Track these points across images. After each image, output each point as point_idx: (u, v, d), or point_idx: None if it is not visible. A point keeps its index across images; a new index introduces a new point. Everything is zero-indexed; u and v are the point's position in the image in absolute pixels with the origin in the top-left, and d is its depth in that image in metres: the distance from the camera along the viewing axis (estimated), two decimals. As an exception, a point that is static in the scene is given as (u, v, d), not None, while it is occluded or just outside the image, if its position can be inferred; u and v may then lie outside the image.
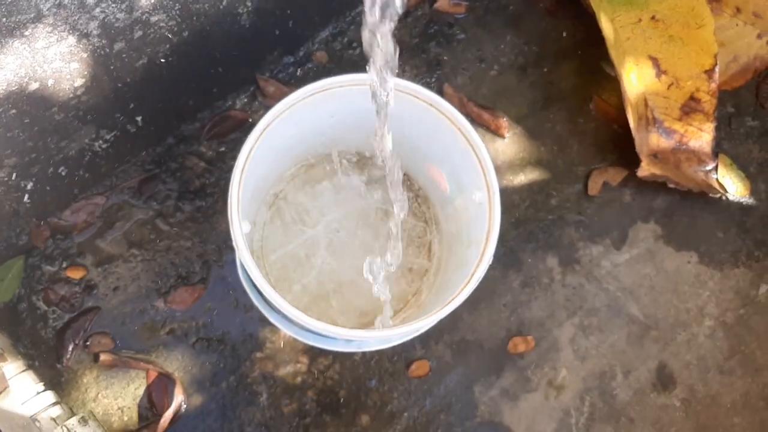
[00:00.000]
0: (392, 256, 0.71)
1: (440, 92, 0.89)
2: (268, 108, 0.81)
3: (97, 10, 0.55)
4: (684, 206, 0.90)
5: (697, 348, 0.86)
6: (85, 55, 0.59)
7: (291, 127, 0.68)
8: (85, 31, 0.56)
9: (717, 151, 0.89)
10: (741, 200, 0.91)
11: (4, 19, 0.50)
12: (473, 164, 0.67)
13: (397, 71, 0.55)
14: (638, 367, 0.85)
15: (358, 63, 0.88)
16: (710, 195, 0.91)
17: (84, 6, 0.54)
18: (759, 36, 0.94)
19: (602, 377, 0.84)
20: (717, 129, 0.88)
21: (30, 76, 0.57)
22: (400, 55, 0.82)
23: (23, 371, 0.67)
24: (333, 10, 0.85)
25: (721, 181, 0.90)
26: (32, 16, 0.51)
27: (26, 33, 0.52)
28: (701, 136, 0.89)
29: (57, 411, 0.66)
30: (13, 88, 0.56)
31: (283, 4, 0.75)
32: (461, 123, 0.66)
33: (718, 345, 0.86)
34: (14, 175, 0.68)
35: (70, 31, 0.55)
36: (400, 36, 0.90)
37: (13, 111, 0.59)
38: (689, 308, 0.87)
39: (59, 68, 0.58)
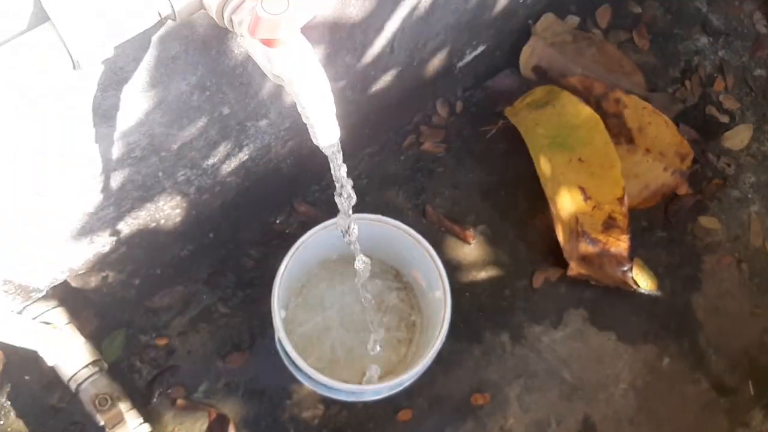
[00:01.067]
0: (374, 342, 1.03)
1: (424, 211, 1.22)
2: (300, 222, 1.15)
3: (195, 181, 0.90)
4: (605, 297, 1.20)
5: (614, 404, 1.15)
6: (184, 204, 0.94)
7: (314, 246, 1.01)
8: (187, 192, 0.91)
9: (632, 255, 1.20)
10: (650, 293, 1.21)
11: (144, 193, 0.84)
12: (434, 273, 0.99)
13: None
14: (568, 418, 1.14)
15: (363, 191, 1.21)
16: (626, 289, 1.21)
17: (189, 181, 0.88)
18: (665, 169, 1.25)
19: (539, 425, 1.13)
20: (632, 239, 1.19)
21: (152, 219, 0.91)
22: (396, 182, 1.16)
23: (130, 410, 0.99)
24: (345, 152, 1.20)
25: (635, 278, 1.20)
26: (159, 189, 0.86)
27: (154, 198, 0.87)
28: (619, 244, 1.20)
29: (152, 437, 0.98)
30: (141, 228, 0.91)
31: (309, 157, 1.09)
32: (425, 245, 0.99)
33: (629, 403, 1.15)
34: (128, 275, 1.03)
35: (178, 194, 0.90)
36: (396, 170, 1.24)
37: (137, 240, 0.93)
38: (608, 374, 1.16)
39: (168, 214, 0.93)
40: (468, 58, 1.20)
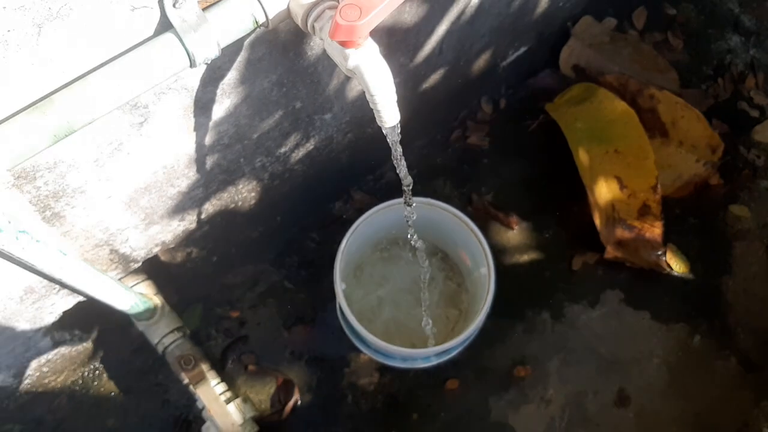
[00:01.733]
0: (425, 318, 1.15)
1: (469, 199, 1.33)
2: (356, 209, 1.27)
3: (269, 168, 1.03)
4: (640, 279, 1.29)
5: (647, 378, 1.23)
6: (258, 189, 1.07)
7: (371, 226, 1.13)
8: (262, 177, 1.04)
9: (666, 240, 1.28)
10: (683, 276, 1.29)
11: (227, 176, 0.98)
12: (480, 251, 1.10)
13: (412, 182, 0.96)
14: (604, 390, 1.23)
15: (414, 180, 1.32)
16: (659, 272, 1.29)
17: (264, 167, 1.01)
18: (697, 160, 1.33)
19: (578, 396, 1.22)
20: (665, 225, 1.27)
21: (231, 201, 1.05)
22: (443, 173, 1.27)
23: (210, 370, 1.13)
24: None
25: (668, 262, 1.29)
26: (239, 174, 0.99)
27: (235, 182, 1.00)
28: (653, 230, 1.28)
29: (229, 394, 1.11)
30: (222, 209, 1.04)
31: (364, 149, 1.21)
32: (472, 226, 1.09)
33: (662, 377, 1.23)
34: (208, 252, 1.16)
35: (254, 178, 1.03)
36: (443, 161, 1.35)
37: (218, 219, 1.07)
38: (642, 350, 1.25)
39: (244, 197, 1.06)
40: (511, 58, 1.31)
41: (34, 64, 0.57)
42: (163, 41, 0.61)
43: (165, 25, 0.62)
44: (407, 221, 0.92)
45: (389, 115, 0.64)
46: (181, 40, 0.61)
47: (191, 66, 0.63)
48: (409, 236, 1.00)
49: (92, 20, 0.57)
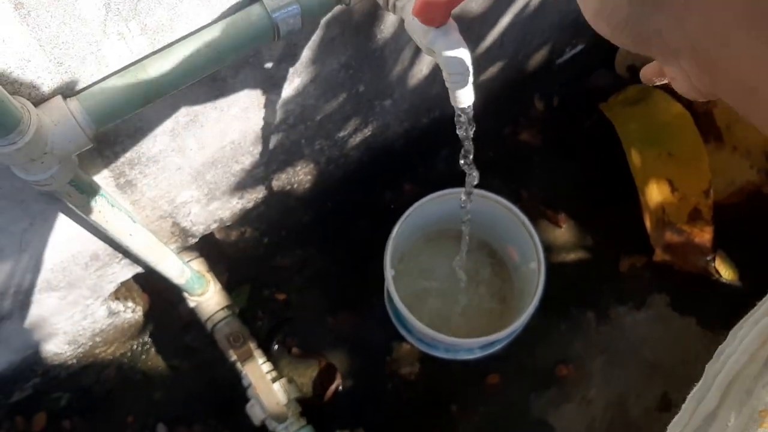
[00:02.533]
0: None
1: (518, 195, 1.33)
2: (405, 199, 1.28)
3: (327, 151, 1.04)
4: (688, 284, 1.28)
5: (691, 384, 1.22)
6: (315, 172, 1.08)
7: (422, 215, 1.14)
8: (319, 161, 1.06)
9: (716, 246, 1.27)
10: (731, 283, 1.28)
11: (287, 157, 0.99)
12: (530, 245, 1.10)
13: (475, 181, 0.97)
14: (647, 393, 1.22)
15: (463, 176, 1.33)
16: (708, 278, 1.28)
17: (322, 151, 1.03)
18: (751, 167, 1.32)
19: (620, 397, 1.22)
20: (716, 231, 1.26)
21: (288, 183, 1.06)
22: (493, 167, 1.27)
23: (257, 348, 1.15)
24: (449, 139, 1.32)
25: (717, 268, 1.27)
26: (299, 156, 1.01)
27: (294, 163, 1.02)
28: (703, 235, 1.27)
29: (274, 373, 1.13)
30: (279, 190, 1.06)
31: (418, 139, 1.22)
32: (523, 219, 1.10)
33: (707, 383, 1.22)
34: (260, 234, 1.18)
35: (312, 161, 1.05)
36: (494, 156, 1.36)
37: (274, 201, 1.08)
38: (687, 356, 1.24)
39: (300, 179, 1.08)
40: (567, 55, 1.31)
41: (131, 30, 0.59)
42: (251, 12, 0.62)
43: (252, -2, 0.64)
44: (463, 206, 0.93)
45: (466, 94, 0.65)
46: (268, 13, 0.62)
47: (275, 38, 0.64)
48: (462, 218, 1.00)
49: (187, -12, 0.59)
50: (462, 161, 0.79)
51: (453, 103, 0.67)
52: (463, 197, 0.87)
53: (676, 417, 0.48)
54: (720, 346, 0.45)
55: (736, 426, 0.39)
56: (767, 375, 0.38)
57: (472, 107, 0.68)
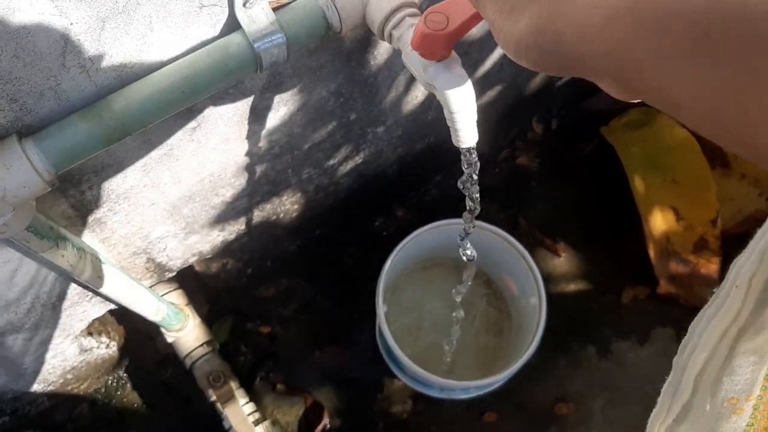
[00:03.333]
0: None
1: (516, 222, 1.27)
2: (397, 226, 1.22)
3: (316, 180, 0.98)
4: (693, 317, 1.22)
5: (698, 423, 1.16)
6: (302, 201, 1.02)
7: (416, 246, 1.07)
8: (307, 189, 0.99)
9: (723, 277, 1.21)
10: (739, 316, 1.22)
11: (273, 187, 0.93)
12: (530, 279, 1.04)
13: (479, 210, 0.91)
14: (651, 433, 1.16)
15: (457, 201, 1.27)
16: (714, 310, 1.22)
17: (310, 179, 0.96)
18: (759, 194, 1.27)
19: (623, 438, 1.16)
20: (723, 262, 1.21)
21: (274, 213, 1.00)
22: (490, 193, 1.21)
23: (239, 388, 1.08)
24: (442, 164, 1.26)
25: (724, 300, 1.22)
26: (285, 185, 0.94)
27: (280, 193, 0.95)
28: (710, 266, 1.22)
29: (257, 415, 1.06)
30: (264, 220, 0.99)
31: (412, 165, 1.16)
32: (523, 252, 1.04)
33: (714, 423, 1.16)
34: (243, 264, 1.11)
35: (299, 190, 0.98)
36: (490, 182, 1.30)
37: (258, 231, 1.02)
38: (693, 393, 1.18)
39: (287, 209, 1.01)
40: (566, 78, 1.25)
41: (94, 62, 0.52)
42: (230, 42, 0.56)
43: (232, 26, 0.57)
44: (462, 247, 0.86)
45: (468, 134, 0.59)
46: (249, 42, 0.56)
47: (257, 70, 0.58)
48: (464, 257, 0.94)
49: (159, 14, 0.53)
50: (467, 201, 0.72)
51: (455, 143, 0.61)
52: (459, 243, 0.81)
53: (654, 411, 0.52)
54: (683, 341, 0.48)
55: (712, 412, 0.42)
56: (729, 366, 0.41)
57: (475, 147, 0.61)
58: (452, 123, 0.58)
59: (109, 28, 0.51)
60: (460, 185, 0.67)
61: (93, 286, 0.75)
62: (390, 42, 0.60)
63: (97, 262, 0.72)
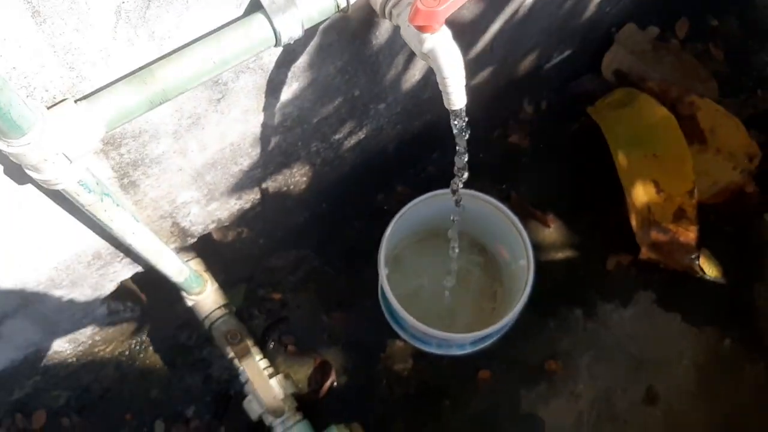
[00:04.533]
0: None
1: (508, 196, 1.37)
2: (397, 201, 1.31)
3: (323, 153, 1.07)
4: (673, 282, 1.31)
5: (676, 378, 1.26)
6: (310, 174, 1.11)
7: (415, 215, 1.17)
8: (315, 162, 1.09)
9: (700, 245, 1.31)
10: (716, 281, 1.31)
11: (284, 159, 1.02)
12: (519, 243, 1.13)
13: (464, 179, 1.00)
14: (633, 387, 1.25)
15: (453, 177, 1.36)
16: (692, 275, 1.31)
17: (318, 152, 1.06)
18: (734, 168, 1.36)
19: (607, 392, 1.25)
20: (700, 230, 1.30)
21: (285, 184, 1.09)
22: (483, 170, 1.30)
23: (254, 346, 1.17)
24: (440, 142, 1.35)
25: (702, 266, 1.31)
26: (296, 157, 1.04)
27: (291, 164, 1.05)
28: (688, 234, 1.31)
29: (271, 369, 1.16)
30: (276, 191, 1.09)
31: (409, 141, 1.25)
32: (512, 218, 1.13)
33: (691, 378, 1.25)
34: (257, 234, 1.21)
35: (308, 163, 1.08)
36: (483, 158, 1.39)
37: (271, 201, 1.11)
38: (672, 351, 1.27)
39: (297, 180, 1.11)
40: (555, 60, 1.34)
41: (139, 36, 0.62)
42: (253, 20, 0.65)
43: (255, 6, 0.67)
44: (457, 203, 0.96)
45: (458, 97, 0.68)
46: (269, 20, 0.65)
47: (276, 45, 0.67)
48: (452, 218, 1.04)
49: (193, -4, 0.62)
50: (456, 160, 0.82)
51: (446, 106, 0.71)
52: (454, 188, 0.90)
53: None
54: None
55: None
56: None
57: (464, 109, 0.71)
58: (444, 87, 0.68)
59: (153, 6, 0.60)
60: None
61: (127, 243, 0.84)
62: (390, 19, 0.69)
63: (131, 220, 0.81)
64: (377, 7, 0.69)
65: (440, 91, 0.70)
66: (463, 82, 0.68)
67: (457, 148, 0.78)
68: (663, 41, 1.46)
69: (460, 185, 0.88)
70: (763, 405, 1.24)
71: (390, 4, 0.68)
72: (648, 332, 1.29)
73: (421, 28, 0.65)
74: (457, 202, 0.96)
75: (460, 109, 0.70)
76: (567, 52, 1.35)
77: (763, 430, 1.23)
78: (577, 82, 1.43)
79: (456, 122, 0.72)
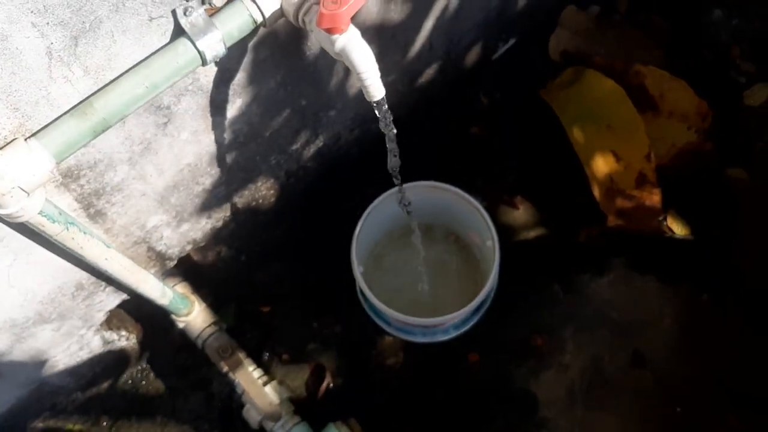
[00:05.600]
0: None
1: (474, 184, 1.41)
2: (368, 200, 1.36)
3: (284, 165, 1.13)
4: (644, 245, 1.35)
5: (660, 338, 1.29)
6: (276, 187, 1.17)
7: (382, 213, 1.22)
8: (278, 175, 1.15)
9: (666, 206, 1.35)
10: (685, 238, 1.35)
11: (246, 174, 1.08)
12: (484, 226, 1.18)
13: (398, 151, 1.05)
14: (619, 352, 1.28)
15: (418, 171, 1.42)
16: (662, 236, 1.35)
17: (279, 165, 1.12)
18: (688, 128, 1.40)
19: (594, 359, 1.28)
20: (663, 192, 1.34)
21: (253, 199, 1.15)
22: (447, 162, 1.35)
23: (246, 357, 1.22)
24: (402, 140, 1.40)
25: (670, 226, 1.35)
26: (257, 172, 1.09)
27: (254, 179, 1.11)
28: (652, 198, 1.35)
29: (265, 377, 1.21)
30: (245, 206, 1.15)
31: (371, 144, 1.30)
32: (475, 204, 1.18)
33: (674, 336, 1.29)
34: (236, 251, 1.27)
35: (271, 176, 1.13)
36: (446, 151, 1.44)
37: (242, 217, 1.17)
38: (652, 312, 1.31)
39: (264, 194, 1.17)
40: (501, 50, 1.40)
41: (74, 72, 0.68)
42: (178, 44, 0.72)
43: (178, 32, 0.73)
44: (401, 202, 1.02)
45: (376, 88, 0.74)
46: (192, 42, 0.71)
47: (204, 64, 0.73)
48: (399, 202, 1.08)
49: (118, 29, 0.69)
50: (389, 159, 0.87)
51: (368, 99, 0.76)
52: (398, 193, 0.95)
53: None
54: None
55: None
56: None
57: (385, 99, 0.76)
58: (362, 81, 0.74)
59: (82, 44, 0.67)
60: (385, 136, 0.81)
61: (103, 269, 0.90)
62: (303, 26, 0.75)
63: (102, 246, 0.87)
64: (291, 18, 0.75)
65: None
66: (378, 74, 0.73)
67: (388, 146, 0.83)
68: (606, 18, 1.52)
69: (398, 182, 0.94)
70: (748, 353, 1.27)
71: (301, 13, 0.74)
72: (626, 297, 1.33)
73: (330, 30, 0.71)
74: (401, 201, 1.02)
75: (382, 99, 0.75)
76: (512, 41, 1.40)
77: (752, 377, 1.26)
78: (527, 67, 1.48)
79: (379, 114, 0.77)
